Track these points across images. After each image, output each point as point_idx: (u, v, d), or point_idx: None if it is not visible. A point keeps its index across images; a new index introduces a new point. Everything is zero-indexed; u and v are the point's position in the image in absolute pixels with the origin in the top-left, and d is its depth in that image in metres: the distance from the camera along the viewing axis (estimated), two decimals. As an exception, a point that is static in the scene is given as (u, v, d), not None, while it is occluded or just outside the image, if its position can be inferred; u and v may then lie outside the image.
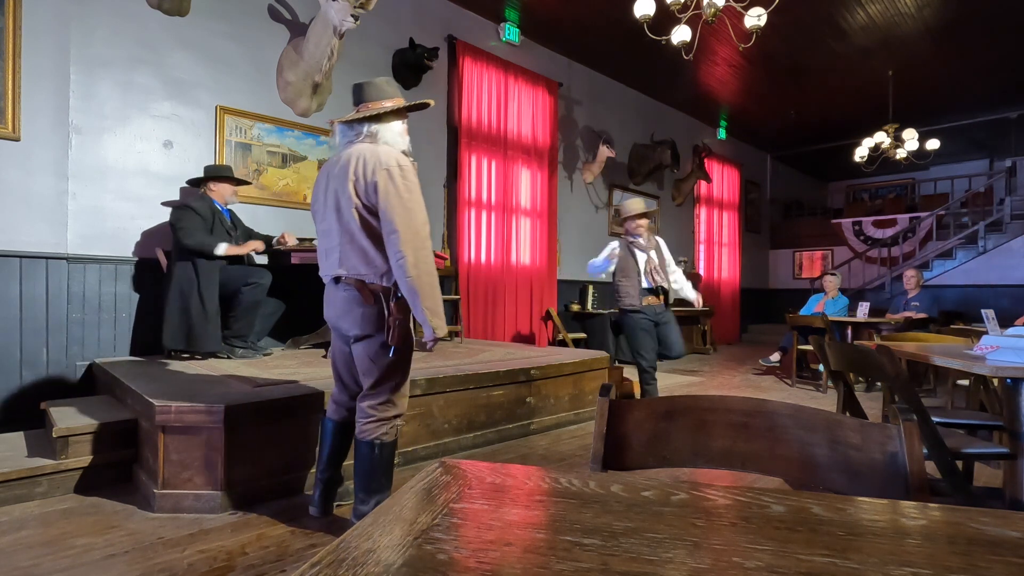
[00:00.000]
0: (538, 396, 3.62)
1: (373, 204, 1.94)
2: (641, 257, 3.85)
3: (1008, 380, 1.88)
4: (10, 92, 3.12)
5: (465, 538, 0.53)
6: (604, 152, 6.89)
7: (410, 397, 2.40)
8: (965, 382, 3.40)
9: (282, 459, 2.44)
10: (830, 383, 5.11)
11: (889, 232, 9.80)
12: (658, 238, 4.02)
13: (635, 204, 3.90)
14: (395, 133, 2.07)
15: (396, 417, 2.07)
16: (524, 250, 6.30)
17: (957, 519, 0.57)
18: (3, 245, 3.10)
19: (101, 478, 2.50)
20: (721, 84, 7.73)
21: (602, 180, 7.42)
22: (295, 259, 3.54)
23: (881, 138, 7.27)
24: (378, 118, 2.04)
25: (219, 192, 3.64)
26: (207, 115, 4.06)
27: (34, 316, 3.20)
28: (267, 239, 3.81)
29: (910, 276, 6.10)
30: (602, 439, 0.96)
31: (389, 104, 2.04)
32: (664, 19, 4.50)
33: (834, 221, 10.88)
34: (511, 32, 6.09)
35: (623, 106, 7.73)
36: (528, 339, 6.22)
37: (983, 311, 2.57)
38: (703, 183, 8.96)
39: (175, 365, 3.28)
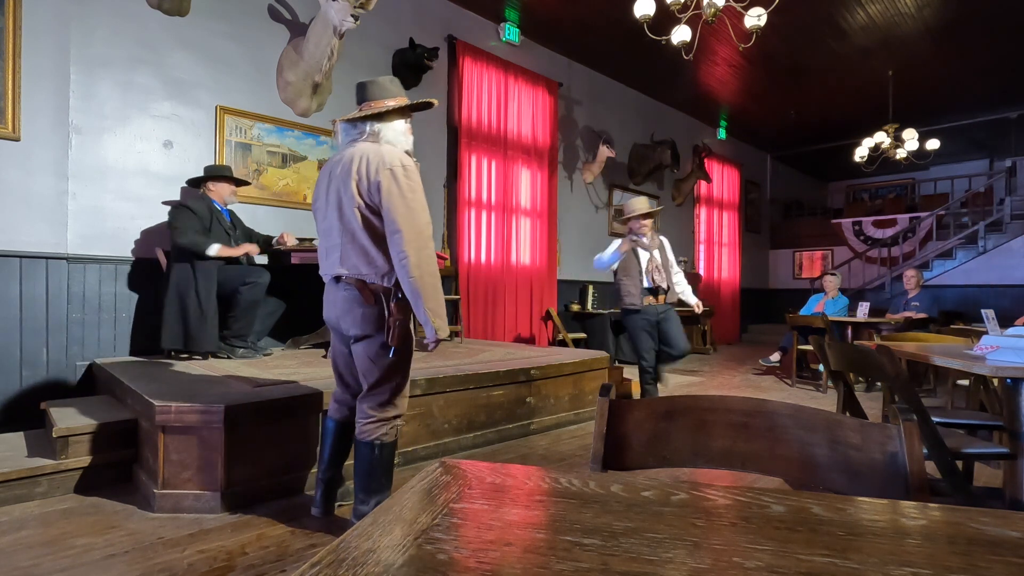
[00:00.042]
0: (538, 396, 3.62)
1: (376, 203, 1.93)
2: (644, 256, 3.86)
3: (1008, 380, 1.88)
4: (10, 92, 3.12)
5: (465, 538, 0.53)
6: (604, 152, 6.89)
7: (410, 397, 2.40)
8: (965, 382, 3.40)
9: (282, 459, 2.44)
10: (830, 383, 5.11)
11: (889, 232, 9.80)
12: (663, 238, 4.03)
13: (640, 203, 3.90)
14: (398, 132, 2.06)
15: (396, 417, 2.07)
16: (524, 250, 6.30)
17: (957, 519, 0.57)
18: (3, 245, 3.10)
19: (101, 478, 2.50)
20: (721, 84, 7.73)
21: (602, 180, 7.42)
22: (295, 259, 3.55)
23: (881, 138, 7.27)
24: (381, 117, 2.04)
25: (218, 192, 3.64)
26: (207, 115, 4.06)
27: (34, 316, 3.20)
28: (267, 239, 3.82)
29: (910, 276, 6.10)
30: (602, 439, 0.96)
31: (392, 103, 2.03)
32: (664, 19, 4.50)
33: (834, 221, 10.87)
34: (511, 32, 6.09)
35: (623, 106, 7.73)
36: (528, 339, 6.22)
37: (983, 311, 2.57)
38: (703, 183, 8.96)
39: (175, 365, 3.28)
